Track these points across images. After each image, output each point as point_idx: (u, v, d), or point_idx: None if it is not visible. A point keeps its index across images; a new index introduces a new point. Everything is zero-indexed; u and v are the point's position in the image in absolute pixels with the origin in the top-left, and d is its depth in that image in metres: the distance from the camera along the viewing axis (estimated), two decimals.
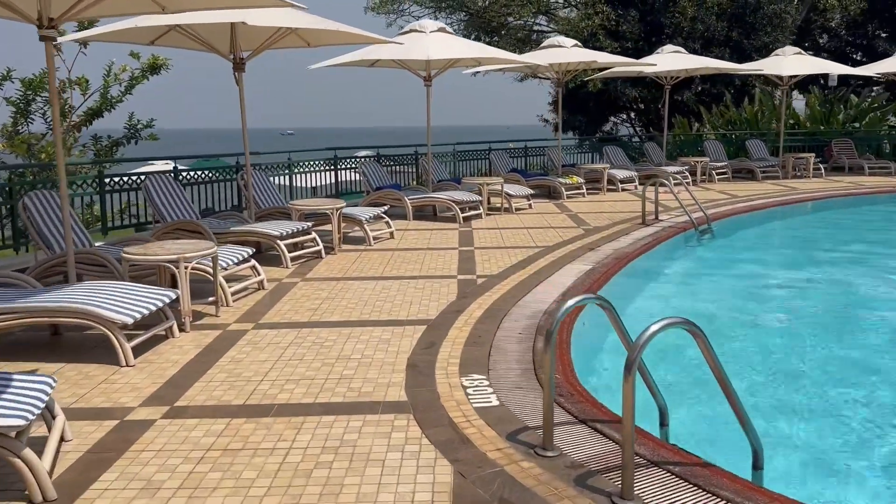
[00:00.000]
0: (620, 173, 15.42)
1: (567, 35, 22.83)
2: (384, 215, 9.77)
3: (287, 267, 7.78)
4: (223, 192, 11.53)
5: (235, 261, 6.41)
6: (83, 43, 10.75)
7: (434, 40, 11.02)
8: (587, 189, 14.66)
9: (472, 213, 11.42)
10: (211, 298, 5.94)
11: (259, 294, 6.65)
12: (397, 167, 13.79)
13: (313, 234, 8.41)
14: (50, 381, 3.41)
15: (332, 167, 12.53)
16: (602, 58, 14.13)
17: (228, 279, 6.52)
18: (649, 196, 10.91)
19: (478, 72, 26.06)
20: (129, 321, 4.67)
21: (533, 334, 5.25)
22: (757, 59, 22.48)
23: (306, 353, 4.91)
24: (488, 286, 6.77)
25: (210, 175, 10.15)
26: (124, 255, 5.49)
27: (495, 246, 8.99)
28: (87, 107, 10.78)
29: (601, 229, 10.15)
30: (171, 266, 5.41)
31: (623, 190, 15.37)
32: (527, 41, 28.80)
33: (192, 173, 9.85)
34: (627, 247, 8.73)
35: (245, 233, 8.01)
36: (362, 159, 12.46)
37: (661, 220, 10.85)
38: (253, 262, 6.82)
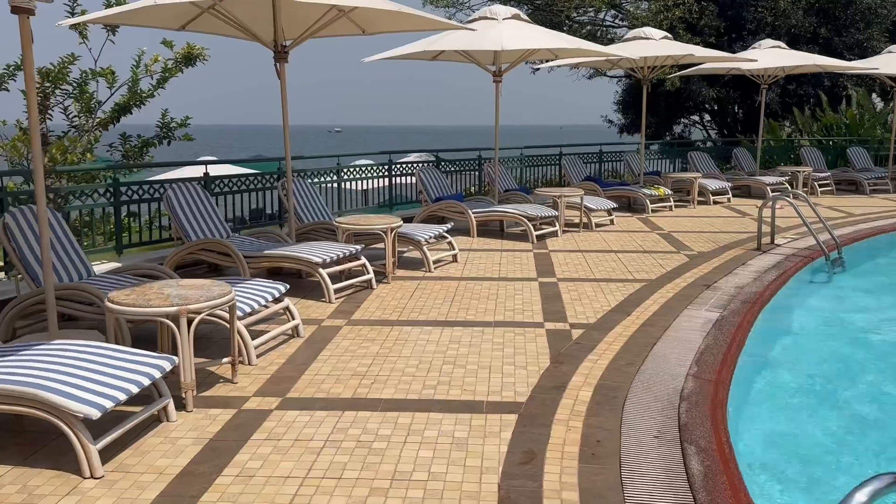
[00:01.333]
0: (712, 184, 13.54)
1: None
2: (447, 234, 8.22)
3: (330, 301, 6.30)
4: (263, 200, 10.21)
5: (261, 303, 4.94)
6: (111, 29, 9.52)
7: (508, 28, 9.41)
8: (673, 202, 12.85)
9: (547, 230, 9.78)
10: (226, 359, 4.47)
11: (293, 344, 5.17)
12: (456, 173, 12.21)
13: (363, 260, 6.92)
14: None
15: (387, 173, 11.04)
16: (699, 52, 12.29)
17: (254, 325, 5.06)
18: (766, 214, 9.08)
19: (543, 67, 24.42)
20: (95, 414, 3.21)
21: (676, 437, 3.61)
22: (849, 58, 20.19)
23: (347, 464, 3.37)
24: (589, 343, 5.14)
25: (247, 183, 8.76)
26: (109, 305, 4.04)
27: (582, 277, 7.34)
28: (114, 101, 9.52)
29: (708, 256, 8.39)
30: (170, 322, 3.96)
31: (715, 203, 13.50)
32: (593, 37, 26.91)
33: (225, 182, 8.47)
34: (752, 283, 6.98)
35: (281, 257, 6.56)
36: (420, 165, 10.93)
37: (778, 245, 9.02)
38: (287, 301, 5.34)
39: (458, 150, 12.60)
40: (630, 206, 12.83)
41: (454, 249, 8.20)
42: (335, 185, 10.22)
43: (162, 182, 7.73)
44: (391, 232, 7.12)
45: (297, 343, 5.19)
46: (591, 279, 7.25)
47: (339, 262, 6.74)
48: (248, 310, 4.75)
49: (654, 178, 13.72)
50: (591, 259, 8.28)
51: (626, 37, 12.75)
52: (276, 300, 5.27)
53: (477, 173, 12.68)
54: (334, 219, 7.95)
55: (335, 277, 6.69)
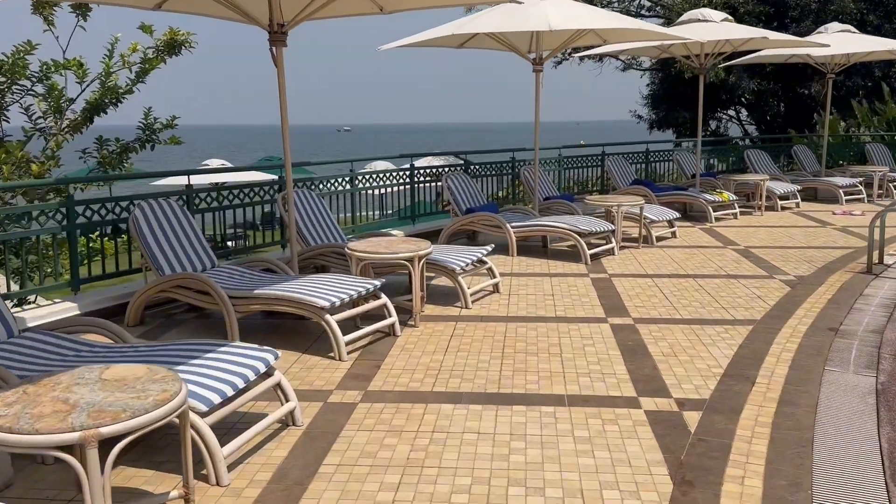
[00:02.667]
0: (779, 187, 11.83)
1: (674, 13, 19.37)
2: (486, 258, 6.60)
3: (340, 359, 4.72)
4: (261, 215, 8.70)
5: (239, 385, 3.37)
6: (81, 13, 8.00)
7: (554, 5, 7.78)
8: (738, 208, 11.16)
9: (601, 246, 8.14)
10: (175, 492, 2.90)
11: (285, 440, 3.60)
12: (484, 178, 10.58)
13: (384, 300, 5.33)
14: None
15: (407, 179, 9.45)
16: (773, 36, 10.57)
17: (226, 421, 3.49)
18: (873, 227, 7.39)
19: (588, 56, 22.74)
20: None
21: None
22: None
23: None
24: (717, 440, 3.52)
25: (240, 196, 7.22)
26: None
27: (665, 317, 5.71)
28: (85, 100, 8.00)
29: (810, 282, 6.73)
30: (67, 457, 2.39)
31: (783, 209, 11.79)
32: None
33: (210, 196, 6.92)
34: (890, 327, 5.33)
35: (277, 299, 4.99)
36: (447, 170, 9.31)
37: (889, 265, 7.34)
38: (278, 376, 3.76)
39: (489, 152, 11.00)
40: (686, 213, 11.17)
41: (495, 277, 6.59)
42: (348, 193, 8.66)
43: (132, 198, 6.20)
44: (419, 262, 5.52)
45: (291, 439, 3.60)
46: (678, 320, 5.61)
47: (353, 303, 5.17)
48: (216, 401, 3.18)
49: (710, 181, 12.04)
50: (667, 287, 6.64)
51: (681, 19, 11.06)
52: (266, 374, 3.69)
53: (508, 177, 11.06)
54: (346, 243, 6.38)
55: (347, 324, 5.12)
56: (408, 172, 9.45)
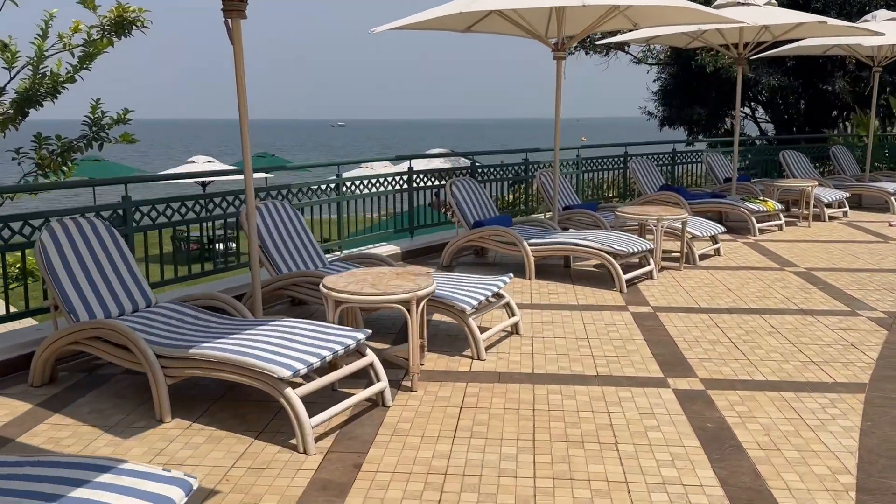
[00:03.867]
0: (826, 194, 10.46)
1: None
2: (503, 292, 5.21)
3: (306, 451, 3.35)
4: (222, 232, 7.38)
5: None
6: None
7: None
8: (783, 219, 9.79)
9: (639, 270, 6.75)
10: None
11: None
12: (495, 182, 9.18)
13: (370, 357, 3.94)
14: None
15: (405, 184, 8.07)
16: (832, 21, 9.16)
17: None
18: None
19: (603, 45, 21.36)
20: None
21: None
22: None
23: None
24: None
25: (196, 209, 5.82)
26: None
27: (744, 380, 4.32)
28: (14, 88, 6.61)
29: None
30: None
31: (830, 218, 10.42)
32: None
33: (154, 211, 5.51)
34: None
35: (220, 364, 3.60)
36: (453, 177, 7.89)
37: None
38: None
39: (499, 153, 9.61)
40: (721, 222, 9.79)
41: (515, 314, 5.20)
42: (333, 203, 7.26)
43: (46, 215, 4.79)
44: (418, 305, 4.12)
45: None
46: (762, 383, 4.24)
47: (322, 369, 3.78)
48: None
49: (747, 187, 10.67)
50: (731, 329, 5.26)
51: (718, 2, 9.67)
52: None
53: (519, 182, 9.68)
54: (327, 268, 5.01)
55: (317, 400, 3.74)
56: (405, 176, 8.06)
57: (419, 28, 8.16)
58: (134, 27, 6.75)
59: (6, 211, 5.87)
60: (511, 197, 11.43)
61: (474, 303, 4.69)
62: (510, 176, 9.37)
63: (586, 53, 22.84)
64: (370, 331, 4.00)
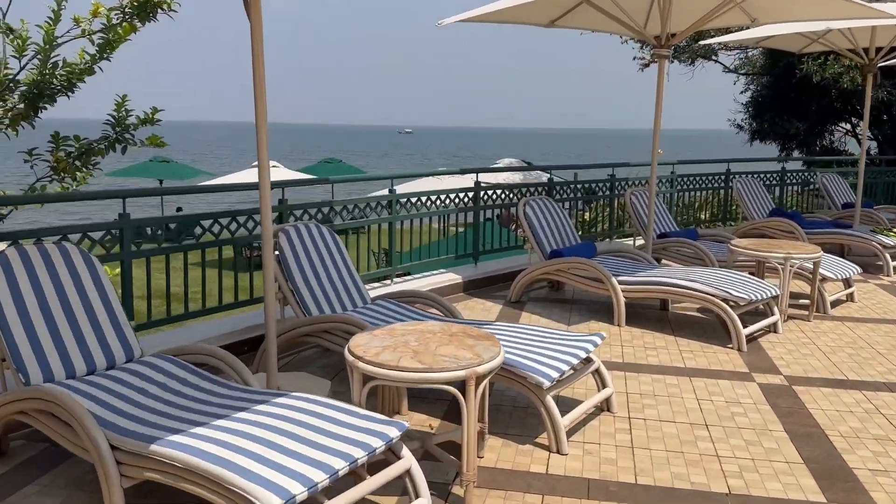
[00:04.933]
0: None
1: None
2: (593, 356, 3.94)
3: None
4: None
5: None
6: None
7: None
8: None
9: (760, 323, 5.35)
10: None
11: None
12: (574, 202, 7.88)
13: (407, 461, 2.76)
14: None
15: (470, 202, 6.88)
16: None
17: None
18: None
19: (704, 51, 19.84)
20: None
21: None
22: None
23: None
24: None
25: (210, 231, 4.78)
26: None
27: None
28: (22, 80, 5.73)
29: None
30: None
31: None
32: None
33: (161, 231, 4.48)
34: None
35: (185, 473, 2.49)
36: (530, 198, 6.63)
37: None
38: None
39: (579, 167, 8.32)
40: (842, 256, 8.22)
41: (606, 387, 3.93)
42: (385, 223, 6.14)
43: (16, 236, 3.82)
44: (477, 385, 2.90)
45: None
46: None
47: (350, 472, 2.61)
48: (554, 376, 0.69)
49: (869, 214, 9.06)
50: None
51: None
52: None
53: (600, 201, 8.36)
54: (358, 323, 3.87)
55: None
56: (471, 193, 6.87)
57: (494, 20, 7.02)
58: (160, 9, 5.80)
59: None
60: (588, 215, 10.11)
61: (555, 375, 3.45)
62: (593, 194, 8.07)
63: (669, 61, 21.24)
64: (407, 424, 2.81)
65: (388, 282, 6.18)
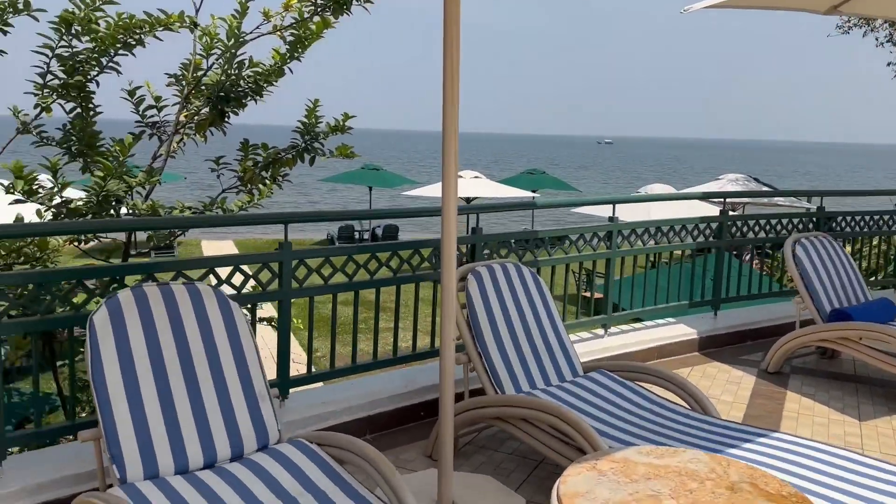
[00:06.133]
0: None
1: None
2: None
3: None
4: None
5: None
6: None
7: None
8: None
9: None
10: None
11: None
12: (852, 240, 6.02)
13: None
14: None
15: (714, 235, 5.38)
16: None
17: None
18: None
19: None
20: None
21: None
22: None
23: None
24: None
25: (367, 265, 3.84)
26: None
27: None
28: (204, 81, 5.21)
29: None
30: None
31: None
32: None
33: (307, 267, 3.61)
34: None
35: None
36: (802, 236, 4.97)
37: None
38: None
39: (853, 193, 6.44)
40: None
41: None
42: (601, 259, 4.86)
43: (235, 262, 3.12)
44: None
45: None
46: None
47: None
48: None
49: None
50: None
51: None
52: None
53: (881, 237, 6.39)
54: (575, 415, 2.70)
55: None
56: (713, 224, 5.37)
57: (750, 6, 5.51)
58: (354, 3, 5.03)
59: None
60: (865, 264, 8.00)
61: None
62: (879, 229, 6.19)
63: None
64: None
65: (599, 331, 4.92)
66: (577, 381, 3.40)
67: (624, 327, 5.13)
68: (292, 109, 5.69)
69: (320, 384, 3.94)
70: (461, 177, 21.55)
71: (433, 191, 21.45)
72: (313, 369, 3.69)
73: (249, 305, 3.45)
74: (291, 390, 3.55)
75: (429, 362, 4.20)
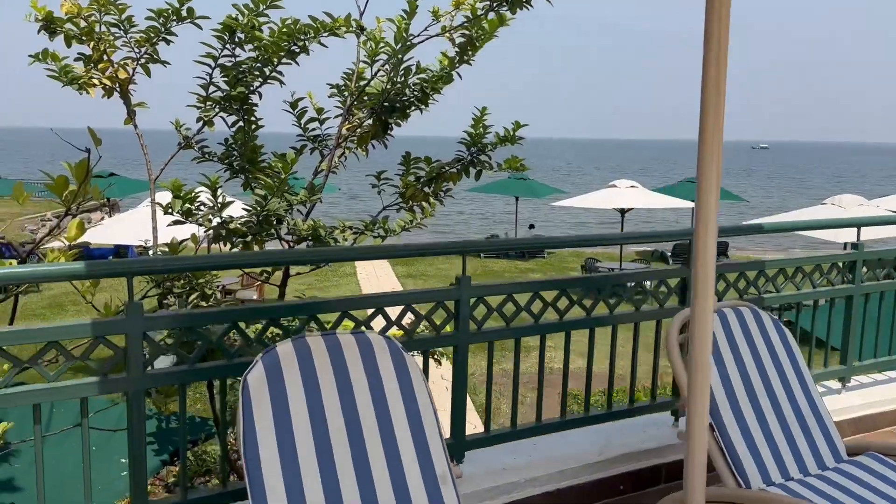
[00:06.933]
0: None
1: None
2: None
3: None
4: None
5: None
6: None
7: None
8: None
9: None
10: None
11: None
12: None
13: None
14: None
15: None
16: None
17: None
18: None
19: None
20: None
21: None
22: None
23: None
24: None
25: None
26: None
27: None
28: (368, 90, 4.79)
29: None
30: None
31: None
32: None
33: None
34: None
35: None
36: None
37: None
38: None
39: None
40: None
41: None
42: (840, 298, 3.92)
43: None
44: None
45: None
46: None
47: None
48: None
49: None
50: None
51: None
52: None
53: None
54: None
55: None
56: None
57: None
58: None
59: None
60: None
61: None
62: None
63: None
64: None
65: (836, 383, 3.96)
66: (843, 470, 2.56)
67: (863, 379, 4.13)
68: (436, 119, 5.14)
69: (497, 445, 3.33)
70: (614, 185, 20.32)
71: (583, 202, 20.53)
72: (491, 427, 3.09)
73: (419, 352, 2.91)
74: (467, 453, 2.96)
75: (625, 420, 3.47)
